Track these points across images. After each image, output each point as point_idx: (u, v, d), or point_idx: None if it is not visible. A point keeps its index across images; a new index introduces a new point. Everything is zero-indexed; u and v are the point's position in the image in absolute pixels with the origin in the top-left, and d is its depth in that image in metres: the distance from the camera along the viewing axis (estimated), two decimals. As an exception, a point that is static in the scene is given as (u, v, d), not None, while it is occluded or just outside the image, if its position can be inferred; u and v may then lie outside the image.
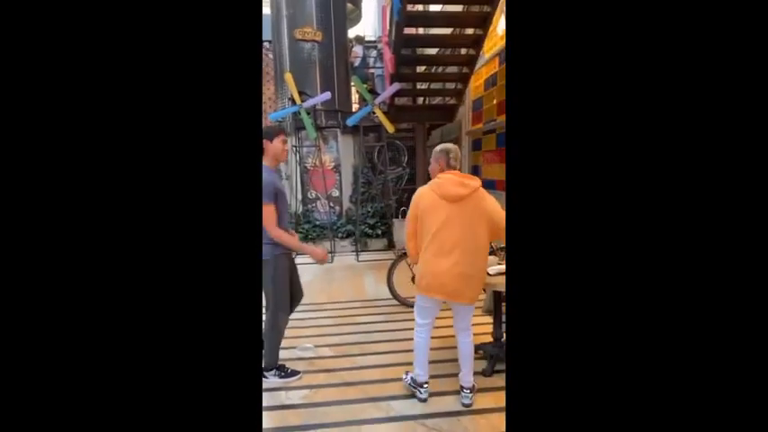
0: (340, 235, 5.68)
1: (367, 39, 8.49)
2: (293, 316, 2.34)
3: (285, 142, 2.10)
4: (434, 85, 5.99)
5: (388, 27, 5.05)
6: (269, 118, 5.45)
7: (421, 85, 6.16)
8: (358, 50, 7.28)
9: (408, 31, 4.34)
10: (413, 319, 2.03)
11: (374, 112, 5.02)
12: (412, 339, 2.03)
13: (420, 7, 4.50)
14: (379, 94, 5.32)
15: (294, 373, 2.24)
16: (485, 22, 4.08)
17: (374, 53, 8.09)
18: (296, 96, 4.96)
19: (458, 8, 4.24)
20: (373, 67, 7.90)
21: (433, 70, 5.87)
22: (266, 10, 6.55)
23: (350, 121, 5.02)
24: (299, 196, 5.80)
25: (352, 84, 6.13)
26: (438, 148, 1.96)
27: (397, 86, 4.89)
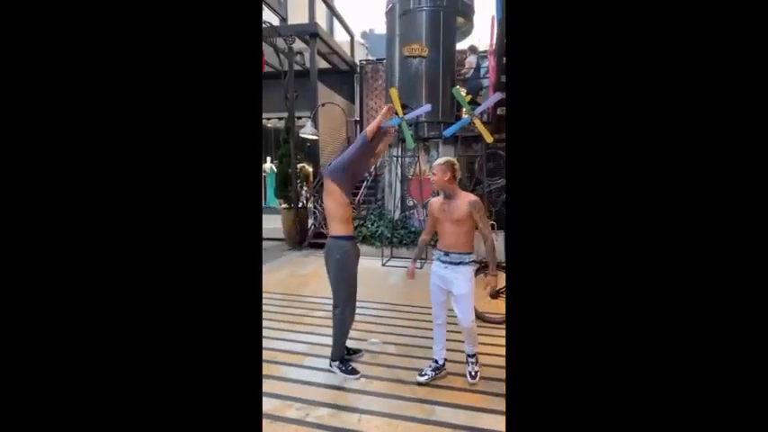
0: (432, 242, 5.75)
1: (481, 49, 8.40)
2: (370, 312, 2.54)
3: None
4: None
5: (494, 36, 4.96)
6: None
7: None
8: (472, 60, 7.25)
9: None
10: (483, 333, 2.12)
11: (473, 123, 4.97)
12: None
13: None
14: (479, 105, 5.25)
15: (354, 371, 2.34)
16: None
17: (487, 63, 7.95)
18: (399, 109, 5.27)
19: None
20: (485, 77, 7.77)
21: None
22: (382, 30, 7.11)
23: (446, 133, 5.05)
24: (398, 203, 6.10)
25: (453, 93, 6.16)
26: (442, 160, 2.18)
27: (498, 96, 4.72)
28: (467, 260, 2.18)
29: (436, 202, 2.27)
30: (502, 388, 2.17)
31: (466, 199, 2.15)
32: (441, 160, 2.23)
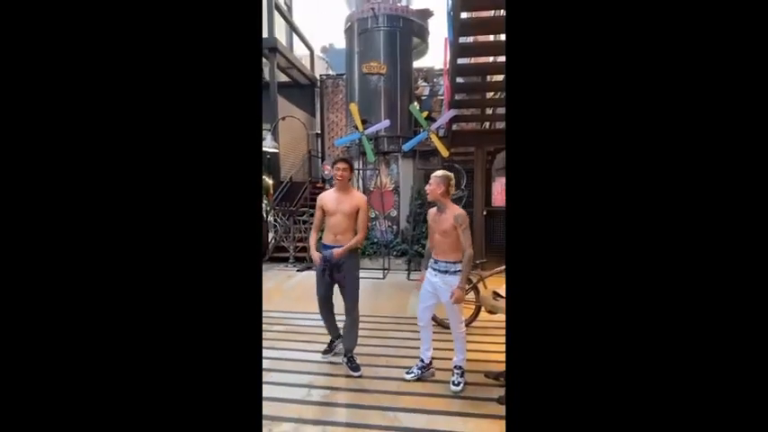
0: (395, 253, 5.85)
1: (437, 68, 8.81)
2: (322, 324, 2.55)
3: (339, 170, 2.53)
4: (495, 109, 5.96)
5: (448, 57, 5.24)
6: (335, 144, 5.96)
7: (479, 110, 6.19)
8: (424, 88, 7.63)
9: (466, 60, 4.47)
10: (444, 339, 2.35)
11: (430, 138, 5.19)
12: (437, 358, 2.33)
13: (470, 39, 4.60)
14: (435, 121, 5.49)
15: (358, 368, 2.54)
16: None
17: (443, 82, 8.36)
18: (359, 124, 5.38)
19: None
20: (441, 95, 8.15)
21: (491, 95, 5.87)
22: (343, 44, 7.26)
23: (406, 147, 5.26)
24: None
25: (411, 110, 6.40)
26: (440, 173, 2.30)
27: (452, 113, 5.01)
28: (452, 269, 2.31)
29: (431, 213, 2.43)
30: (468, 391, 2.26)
31: (452, 212, 2.27)
32: (438, 173, 2.32)
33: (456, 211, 2.28)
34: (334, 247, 2.51)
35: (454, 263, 2.32)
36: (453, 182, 2.33)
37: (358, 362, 2.58)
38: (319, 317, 2.77)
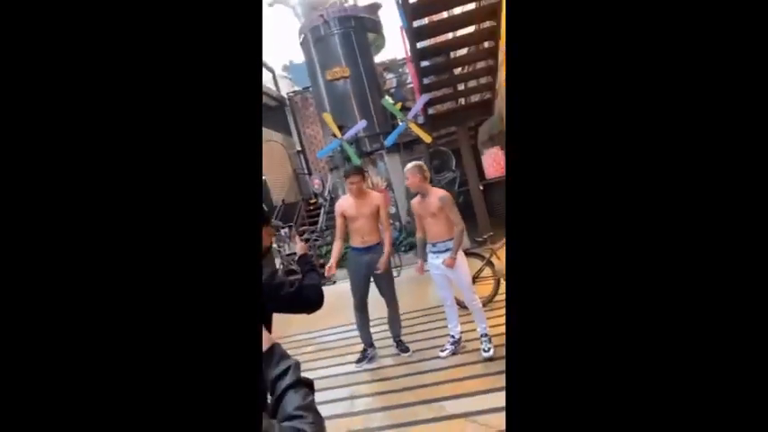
0: (403, 249, 5.85)
1: (399, 58, 8.80)
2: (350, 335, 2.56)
3: (353, 183, 2.61)
4: (466, 84, 5.95)
5: (407, 45, 5.24)
6: (318, 157, 5.96)
7: (450, 89, 6.19)
8: (390, 79, 7.60)
9: (426, 43, 4.47)
10: (469, 319, 2.52)
11: (409, 128, 5.19)
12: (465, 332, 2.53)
13: (426, 21, 4.60)
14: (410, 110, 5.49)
15: (407, 348, 2.78)
16: (494, 14, 4.03)
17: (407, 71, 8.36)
18: (336, 131, 5.38)
19: (466, 7, 4.26)
20: (410, 83, 8.15)
21: (460, 71, 5.87)
22: (302, 58, 7.24)
23: (387, 142, 5.26)
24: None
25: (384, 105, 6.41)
26: (410, 166, 2.47)
27: (424, 98, 5.01)
28: (451, 245, 2.42)
29: (415, 202, 2.56)
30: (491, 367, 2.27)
31: (436, 195, 2.43)
32: (409, 166, 2.47)
33: (438, 193, 2.44)
34: (365, 248, 2.65)
35: (451, 239, 2.44)
36: (426, 168, 2.48)
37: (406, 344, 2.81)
38: (346, 328, 2.79)
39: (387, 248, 2.64)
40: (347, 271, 2.84)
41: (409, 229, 6.05)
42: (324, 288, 1.39)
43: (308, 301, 1.30)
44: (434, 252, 2.51)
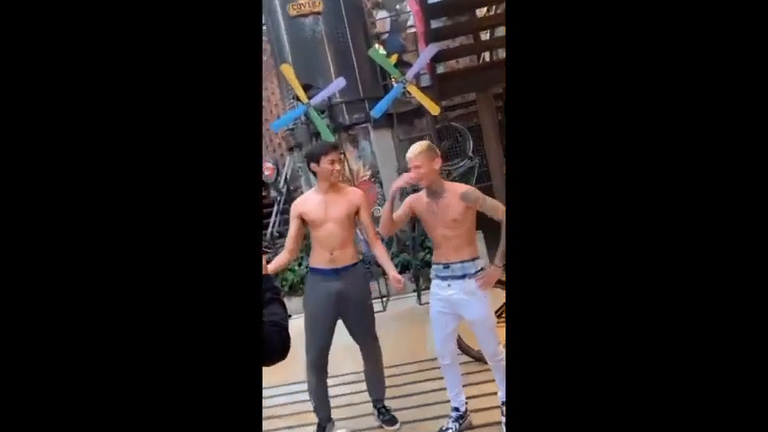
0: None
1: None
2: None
3: (334, 162, 2.51)
4: (490, 34, 6.01)
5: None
6: (270, 129, 5.91)
7: (469, 38, 6.23)
8: (383, 19, 7.61)
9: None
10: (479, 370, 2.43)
11: (408, 92, 5.20)
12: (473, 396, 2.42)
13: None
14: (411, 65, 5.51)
15: (395, 420, 2.77)
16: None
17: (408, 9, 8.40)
18: (300, 93, 5.34)
19: None
20: (412, 26, 8.19)
21: (484, 12, 5.94)
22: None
23: (376, 112, 5.25)
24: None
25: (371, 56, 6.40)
26: (418, 147, 2.30)
27: (432, 49, 5.04)
28: (472, 270, 2.30)
29: (420, 203, 2.40)
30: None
31: (455, 192, 2.30)
32: (416, 147, 2.32)
33: (458, 189, 2.32)
34: (333, 271, 2.53)
35: (473, 261, 2.31)
36: (437, 150, 2.41)
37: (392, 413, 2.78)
38: (295, 389, 2.74)
39: (389, 269, 2.63)
40: (303, 305, 2.71)
41: (403, 239, 6.04)
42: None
43: (268, 348, 1.22)
44: (445, 277, 2.35)
